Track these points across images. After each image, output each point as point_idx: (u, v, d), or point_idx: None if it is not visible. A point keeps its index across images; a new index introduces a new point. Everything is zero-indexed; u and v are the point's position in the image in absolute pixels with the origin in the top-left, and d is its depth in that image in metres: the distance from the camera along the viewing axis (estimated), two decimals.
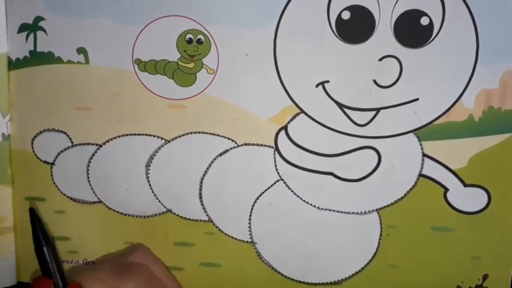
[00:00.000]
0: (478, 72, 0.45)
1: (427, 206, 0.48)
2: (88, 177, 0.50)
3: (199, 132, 0.48)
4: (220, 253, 0.50)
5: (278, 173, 0.48)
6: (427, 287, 0.49)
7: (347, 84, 0.46)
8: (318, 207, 0.48)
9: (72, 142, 0.49)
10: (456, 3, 0.44)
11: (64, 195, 0.50)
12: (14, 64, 0.48)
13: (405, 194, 0.48)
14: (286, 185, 0.48)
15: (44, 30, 0.47)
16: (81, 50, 0.47)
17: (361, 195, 0.48)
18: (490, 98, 0.45)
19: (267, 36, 0.46)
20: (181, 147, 0.48)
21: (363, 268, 0.49)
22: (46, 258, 0.42)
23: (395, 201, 0.48)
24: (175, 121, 0.48)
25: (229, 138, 0.48)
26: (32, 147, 0.49)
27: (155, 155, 0.49)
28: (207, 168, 0.49)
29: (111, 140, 0.49)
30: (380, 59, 0.45)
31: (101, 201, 0.50)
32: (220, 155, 0.48)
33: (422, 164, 0.47)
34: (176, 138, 0.48)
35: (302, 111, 0.47)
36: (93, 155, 0.49)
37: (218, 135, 0.48)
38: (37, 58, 0.48)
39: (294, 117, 0.47)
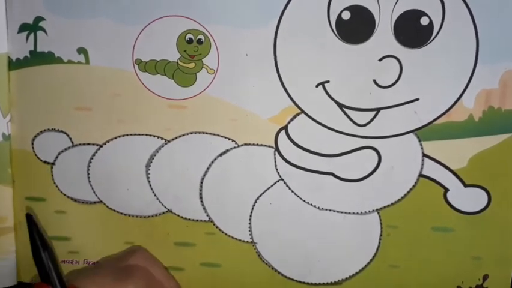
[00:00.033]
0: (478, 72, 0.45)
1: (427, 206, 0.48)
2: (89, 178, 0.50)
3: (199, 133, 0.48)
4: (220, 253, 0.50)
5: (278, 173, 0.48)
6: (427, 287, 0.49)
7: (347, 84, 0.46)
8: (319, 208, 0.48)
9: (72, 142, 0.49)
10: (456, 3, 0.44)
11: (64, 195, 0.50)
12: (14, 64, 0.48)
13: (405, 194, 0.48)
14: (287, 185, 0.48)
15: (45, 31, 0.47)
16: (81, 50, 0.47)
17: (361, 195, 0.48)
18: (489, 98, 0.45)
19: (267, 36, 0.46)
20: (181, 148, 0.48)
21: (363, 268, 0.49)
22: (44, 263, 0.42)
23: (395, 202, 0.48)
24: (175, 121, 0.48)
25: (229, 139, 0.48)
26: (33, 147, 0.49)
27: (155, 155, 0.49)
28: (207, 169, 0.49)
29: (111, 140, 0.49)
30: (380, 59, 0.45)
31: (101, 202, 0.50)
32: (221, 155, 0.48)
33: (422, 164, 0.47)
34: (176, 138, 0.48)
35: (302, 111, 0.47)
36: (93, 155, 0.49)
37: (218, 135, 0.48)
38: (37, 58, 0.48)
39: (294, 117, 0.47)
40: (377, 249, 0.49)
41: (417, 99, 0.46)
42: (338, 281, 0.50)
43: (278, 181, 0.48)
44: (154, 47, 0.47)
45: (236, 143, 0.48)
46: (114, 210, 0.50)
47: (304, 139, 0.47)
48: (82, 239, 0.51)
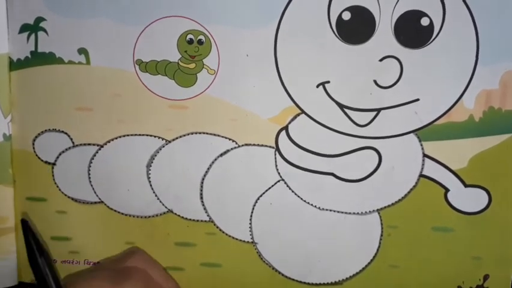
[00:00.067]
0: (478, 73, 0.45)
1: (428, 206, 0.48)
2: (89, 178, 0.50)
3: (200, 133, 0.48)
4: (220, 253, 0.50)
5: (279, 173, 0.48)
6: (428, 287, 0.49)
7: (347, 85, 0.46)
8: (319, 208, 0.48)
9: (73, 142, 0.49)
10: (456, 4, 0.44)
11: (65, 195, 0.50)
12: (15, 65, 0.48)
13: (405, 195, 0.48)
14: (287, 185, 0.48)
15: (45, 31, 0.47)
16: (82, 51, 0.47)
17: (362, 195, 0.48)
18: (490, 98, 0.45)
19: (268, 36, 0.46)
20: (182, 148, 0.48)
21: (363, 268, 0.49)
22: (41, 268, 0.42)
23: (395, 202, 0.48)
24: (175, 121, 0.48)
25: (229, 139, 0.48)
26: (33, 148, 0.49)
27: (156, 155, 0.49)
28: (208, 169, 0.49)
29: (112, 140, 0.49)
30: (381, 60, 0.45)
31: (102, 202, 0.50)
32: (221, 155, 0.48)
33: (423, 165, 0.47)
34: (177, 138, 0.48)
35: (303, 112, 0.47)
36: (94, 155, 0.49)
37: (219, 135, 0.48)
38: (38, 58, 0.48)
39: (295, 117, 0.47)
40: (378, 250, 0.49)
41: (417, 100, 0.46)
42: (339, 281, 0.50)
43: (279, 181, 0.48)
44: (155, 47, 0.47)
45: (237, 143, 0.48)
46: (115, 211, 0.50)
47: (305, 139, 0.47)
48: (82, 239, 0.51)
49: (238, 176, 0.49)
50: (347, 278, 0.50)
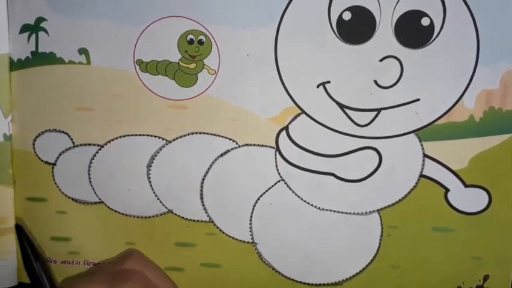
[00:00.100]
0: (479, 73, 0.45)
1: (428, 206, 0.48)
2: (89, 178, 0.50)
3: (200, 133, 0.48)
4: (220, 254, 0.50)
5: (279, 173, 0.48)
6: None
7: (347, 85, 0.46)
8: (319, 208, 0.48)
9: (73, 142, 0.49)
10: (457, 3, 0.44)
11: (65, 195, 0.50)
12: (15, 65, 0.48)
13: (406, 195, 0.48)
14: (287, 186, 0.48)
15: (46, 31, 0.47)
16: (82, 51, 0.47)
17: (362, 195, 0.48)
18: (490, 98, 0.45)
19: (268, 36, 0.46)
20: (182, 148, 0.48)
21: (363, 269, 0.49)
22: (36, 273, 0.42)
23: (395, 202, 0.48)
24: (176, 121, 0.48)
25: (230, 139, 0.48)
26: (34, 148, 0.49)
27: (156, 155, 0.49)
28: (208, 169, 0.49)
29: (112, 140, 0.49)
30: (381, 60, 0.45)
31: (102, 202, 0.50)
32: (221, 155, 0.48)
33: (423, 165, 0.47)
34: (177, 138, 0.48)
35: (303, 112, 0.47)
36: (94, 155, 0.49)
37: (219, 135, 0.48)
38: (39, 59, 0.48)
39: (295, 117, 0.47)
40: (378, 250, 0.49)
41: (418, 100, 0.46)
42: (339, 281, 0.50)
43: (279, 181, 0.48)
44: (155, 47, 0.47)
45: (237, 143, 0.48)
46: (115, 211, 0.50)
47: (305, 139, 0.47)
48: (82, 239, 0.51)
49: (238, 176, 0.49)
50: (347, 279, 0.49)
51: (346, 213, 0.48)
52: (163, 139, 0.48)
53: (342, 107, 0.46)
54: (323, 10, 0.45)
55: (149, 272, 0.47)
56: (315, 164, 0.48)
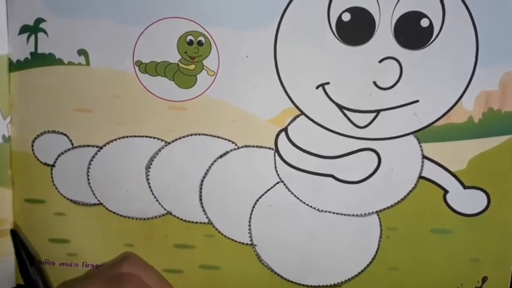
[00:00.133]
0: (478, 74, 0.45)
1: (427, 208, 0.48)
2: (88, 179, 0.50)
3: (199, 134, 0.48)
4: (219, 255, 0.50)
5: (278, 174, 0.48)
6: None
7: (347, 86, 0.46)
8: (318, 209, 0.48)
9: (72, 144, 0.49)
10: (456, 5, 0.44)
11: (64, 197, 0.50)
12: (14, 66, 0.48)
13: (405, 196, 0.48)
14: (286, 187, 0.48)
15: (45, 32, 0.47)
16: (82, 52, 0.47)
17: (361, 197, 0.48)
18: (489, 99, 0.45)
19: (268, 37, 0.46)
20: (181, 149, 0.48)
21: (362, 270, 0.49)
22: (32, 278, 0.42)
23: (394, 203, 0.48)
24: (175, 123, 0.48)
25: (229, 140, 0.48)
26: (33, 149, 0.49)
27: (155, 156, 0.49)
28: (207, 170, 0.49)
29: (111, 141, 0.49)
30: (380, 61, 0.45)
31: (101, 204, 0.50)
32: (221, 156, 0.48)
33: (422, 166, 0.47)
34: (176, 140, 0.48)
35: (302, 113, 0.47)
36: (93, 156, 0.49)
37: (218, 137, 0.48)
38: (38, 60, 0.48)
39: (295, 119, 0.47)
40: (377, 252, 0.49)
41: (417, 101, 0.46)
42: (338, 283, 0.50)
43: (278, 183, 0.48)
44: (155, 48, 0.47)
45: (236, 144, 0.48)
46: (114, 212, 0.50)
47: (304, 141, 0.48)
48: (81, 241, 0.51)
49: (237, 177, 0.49)
50: (346, 280, 0.49)
51: (345, 214, 0.48)
52: (162, 140, 0.48)
53: (341, 108, 0.47)
54: (322, 11, 0.45)
55: (146, 275, 0.47)
56: (314, 166, 0.48)
